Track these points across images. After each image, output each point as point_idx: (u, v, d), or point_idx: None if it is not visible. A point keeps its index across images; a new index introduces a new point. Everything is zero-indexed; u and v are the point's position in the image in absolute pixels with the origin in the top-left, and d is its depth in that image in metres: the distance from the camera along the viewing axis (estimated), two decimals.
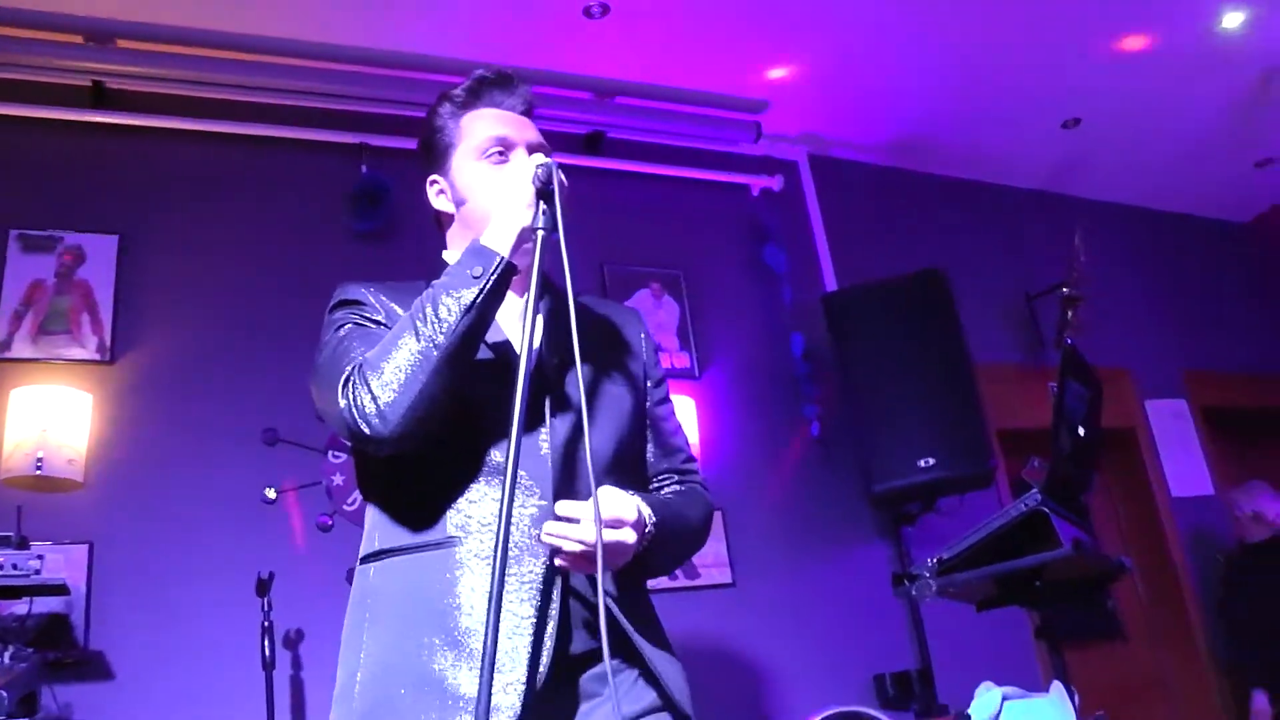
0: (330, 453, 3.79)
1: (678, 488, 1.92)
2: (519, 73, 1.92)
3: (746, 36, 4.46)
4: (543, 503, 1.65)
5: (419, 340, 1.57)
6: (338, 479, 3.78)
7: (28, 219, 3.74)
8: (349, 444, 1.66)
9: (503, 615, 1.51)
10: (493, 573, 1.41)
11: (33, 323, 3.62)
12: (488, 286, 1.60)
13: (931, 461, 4.20)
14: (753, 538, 4.40)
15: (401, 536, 1.69)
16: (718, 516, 4.34)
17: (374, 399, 1.56)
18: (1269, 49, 5.01)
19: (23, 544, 3.06)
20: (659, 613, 1.82)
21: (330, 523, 3.73)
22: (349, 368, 1.61)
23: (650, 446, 1.92)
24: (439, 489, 1.68)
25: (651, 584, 1.84)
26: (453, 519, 1.66)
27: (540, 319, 1.76)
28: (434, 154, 1.90)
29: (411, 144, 2.03)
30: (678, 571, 4.16)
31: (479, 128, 1.85)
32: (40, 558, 3.03)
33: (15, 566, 2.97)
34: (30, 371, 3.53)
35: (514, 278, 1.65)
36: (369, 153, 4.20)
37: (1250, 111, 5.47)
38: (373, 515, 1.77)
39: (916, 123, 5.28)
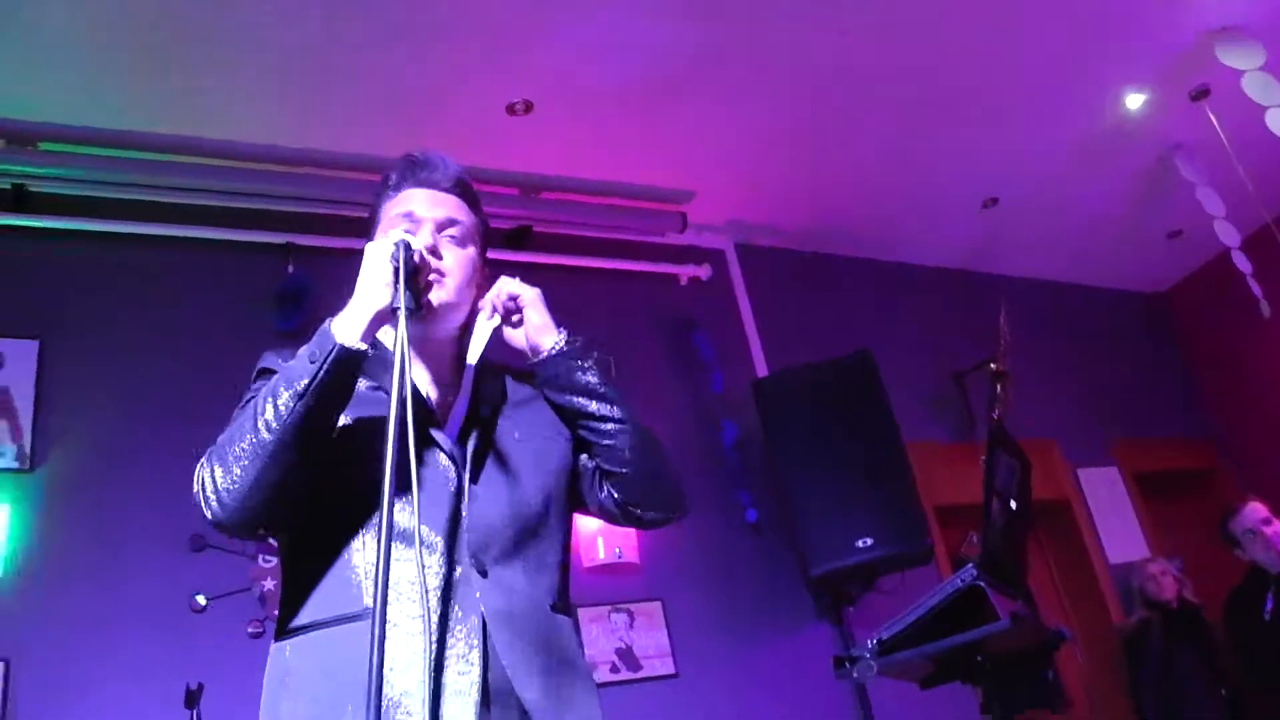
0: (260, 557, 3.71)
1: None
2: (443, 154, 1.91)
3: (670, 129, 4.53)
4: (459, 568, 1.63)
5: (256, 428, 1.55)
6: (268, 584, 3.69)
7: None
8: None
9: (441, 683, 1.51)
10: (427, 641, 1.37)
11: None
12: (321, 373, 1.56)
13: (869, 541, 4.21)
14: (694, 627, 4.35)
15: (316, 611, 1.64)
16: (657, 606, 4.30)
17: (215, 485, 1.56)
18: (1169, 127, 5.20)
19: None
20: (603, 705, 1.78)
21: (262, 629, 3.63)
22: (208, 451, 1.61)
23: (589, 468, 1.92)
24: (350, 560, 1.64)
25: (595, 678, 1.81)
26: (367, 589, 1.61)
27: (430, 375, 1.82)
28: (368, 237, 1.90)
29: (338, 242, 2.04)
30: (619, 665, 4.11)
31: (395, 207, 1.85)
32: None
33: None
34: None
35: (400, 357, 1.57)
36: (296, 252, 4.18)
37: (1158, 186, 5.66)
38: (286, 590, 1.72)
39: (841, 208, 5.38)
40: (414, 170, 1.87)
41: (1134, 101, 4.98)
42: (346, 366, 1.59)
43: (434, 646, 1.40)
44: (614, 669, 4.11)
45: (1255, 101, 4.50)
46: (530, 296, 1.86)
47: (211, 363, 3.90)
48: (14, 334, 3.73)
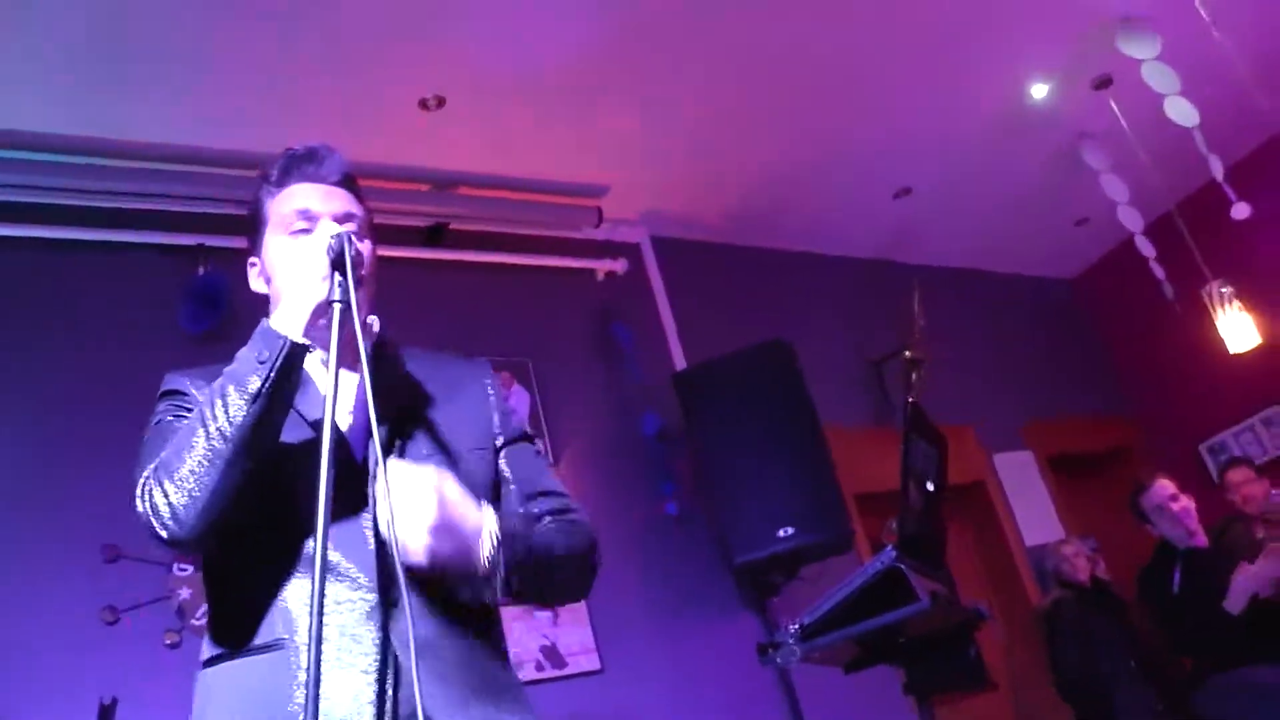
0: (176, 566, 3.63)
1: (552, 524, 1.83)
2: (328, 146, 1.88)
3: (583, 122, 4.52)
4: (371, 596, 1.59)
5: (208, 437, 1.51)
6: (185, 593, 3.62)
7: None
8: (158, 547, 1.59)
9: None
10: (309, 668, 1.34)
11: None
12: (273, 373, 1.54)
13: (790, 530, 4.24)
14: (619, 621, 4.35)
15: (233, 639, 1.62)
16: (581, 602, 4.28)
17: (168, 502, 1.51)
18: (1074, 115, 5.32)
19: None
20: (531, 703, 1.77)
21: (179, 640, 3.56)
22: (147, 470, 1.56)
23: (513, 493, 1.86)
24: (262, 588, 1.61)
25: (519, 676, 1.80)
26: (280, 619, 1.59)
27: (356, 392, 1.73)
28: (252, 235, 1.87)
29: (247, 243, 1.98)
30: (544, 662, 4.09)
31: (285, 202, 1.81)
32: None
33: None
34: None
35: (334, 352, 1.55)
36: (207, 253, 4.10)
37: (1065, 174, 5.78)
38: (210, 618, 1.70)
39: (753, 198, 5.41)
40: (299, 164, 1.84)
41: (1039, 91, 5.09)
42: (295, 362, 1.58)
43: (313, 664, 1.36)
44: (539, 667, 4.09)
45: (1155, 90, 4.62)
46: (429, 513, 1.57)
47: (121, 369, 3.80)
48: None
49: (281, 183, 1.83)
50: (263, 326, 1.59)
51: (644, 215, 5.35)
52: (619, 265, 5.13)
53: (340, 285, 1.58)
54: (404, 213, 4.55)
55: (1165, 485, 4.90)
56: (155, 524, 1.52)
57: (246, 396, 1.52)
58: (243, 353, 1.59)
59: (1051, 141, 5.54)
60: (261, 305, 1.90)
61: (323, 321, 1.59)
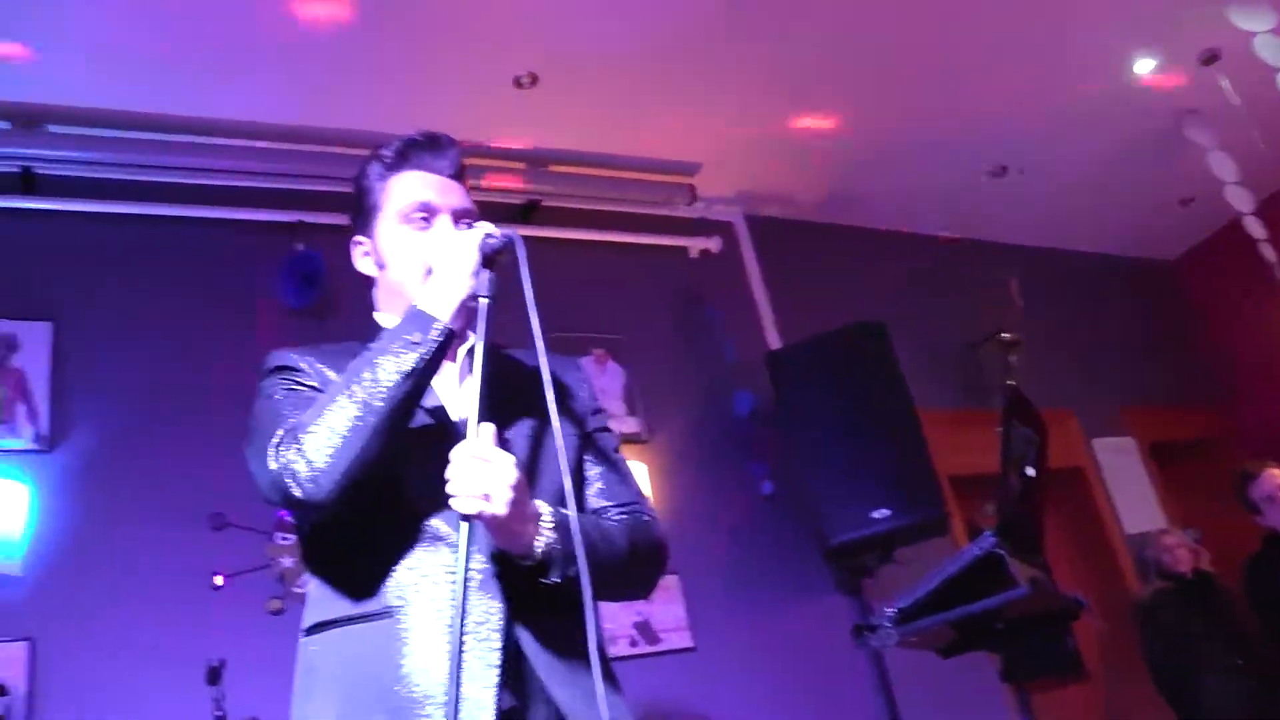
0: (278, 535, 3.72)
1: (621, 518, 1.84)
2: (448, 136, 1.89)
3: (677, 99, 4.51)
4: (484, 566, 1.62)
5: (355, 405, 1.54)
6: (287, 561, 3.70)
7: None
8: (279, 506, 1.62)
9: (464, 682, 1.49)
10: (454, 641, 1.38)
11: None
12: (428, 353, 1.58)
13: (885, 512, 4.20)
14: (711, 600, 4.36)
15: (340, 607, 1.65)
16: (675, 580, 4.30)
17: (308, 462, 1.53)
18: (1180, 91, 5.16)
19: None
20: (620, 679, 1.77)
21: (281, 607, 3.64)
22: (281, 430, 1.58)
23: (593, 489, 1.87)
24: (376, 558, 1.64)
25: (611, 651, 1.81)
26: (392, 588, 1.62)
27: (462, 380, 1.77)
28: (361, 216, 1.88)
29: (346, 220, 2.01)
30: (638, 638, 4.12)
31: (404, 191, 1.83)
32: None
33: None
34: None
35: (482, 345, 1.61)
36: (304, 229, 4.18)
37: (1169, 152, 5.62)
38: (313, 586, 1.73)
39: (848, 177, 5.35)
40: (418, 152, 1.86)
41: (1143, 66, 4.94)
42: (448, 346, 1.62)
43: (456, 644, 1.40)
44: (632, 643, 4.12)
45: (1267, 64, 4.46)
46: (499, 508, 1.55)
47: (222, 340, 3.91)
48: (27, 316, 3.73)
49: (396, 167, 1.86)
50: (414, 310, 1.62)
51: (738, 193, 5.32)
52: (712, 243, 5.12)
53: (490, 281, 1.63)
54: (498, 190, 4.58)
55: (1275, 474, 4.77)
56: (290, 482, 1.53)
57: (401, 371, 1.56)
58: (391, 332, 1.62)
59: (1155, 118, 5.37)
60: (360, 282, 1.93)
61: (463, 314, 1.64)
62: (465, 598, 1.45)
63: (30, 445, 3.56)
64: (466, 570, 1.47)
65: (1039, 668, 2.93)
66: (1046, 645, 2.95)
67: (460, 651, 1.42)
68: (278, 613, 3.63)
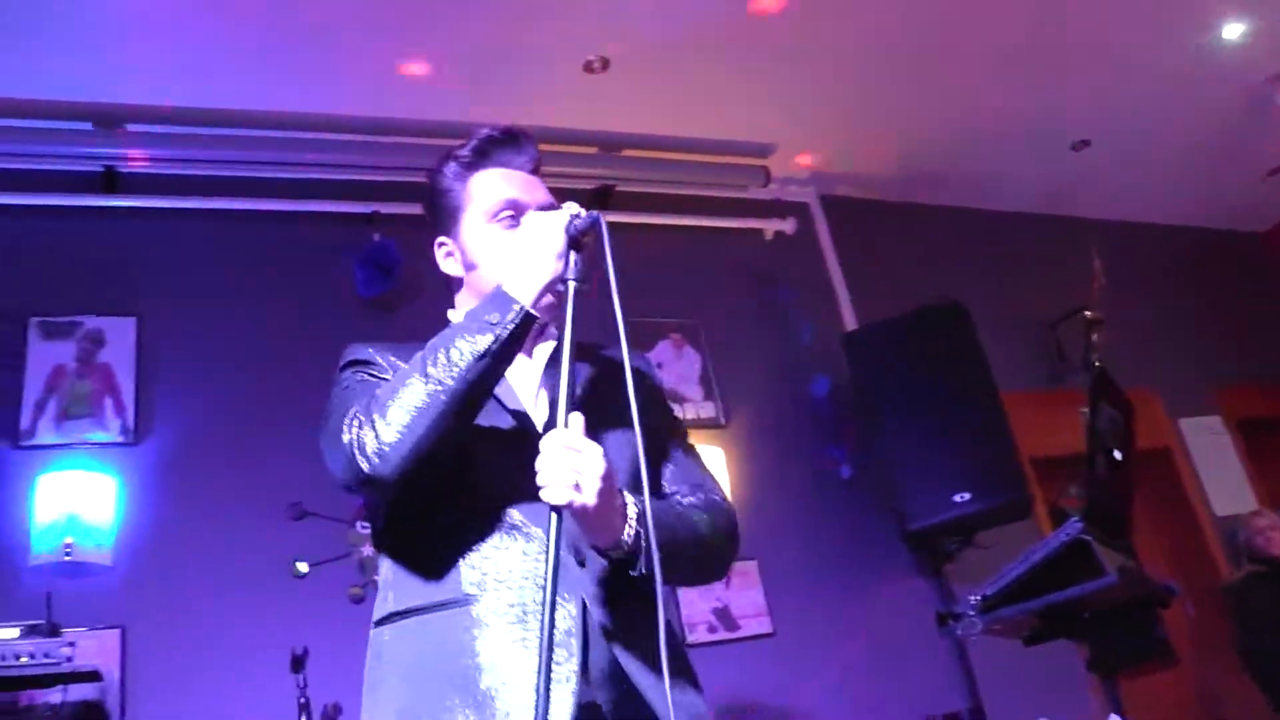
0: (358, 524, 3.75)
1: (693, 500, 1.80)
2: (525, 130, 1.88)
3: (748, 81, 4.46)
4: (564, 557, 1.58)
5: (427, 382, 1.53)
6: (367, 550, 3.74)
7: (47, 306, 3.76)
8: (349, 487, 1.60)
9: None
10: (541, 632, 1.38)
11: (56, 408, 3.62)
12: (504, 335, 1.55)
13: (966, 496, 4.14)
14: (790, 585, 4.33)
15: (415, 596, 1.64)
16: (753, 566, 4.28)
17: (377, 436, 1.52)
18: (1270, 58, 4.99)
19: (54, 631, 3.04)
20: (699, 665, 1.76)
21: (362, 594, 3.69)
22: (355, 407, 1.58)
23: (665, 474, 1.83)
24: (452, 547, 1.63)
25: (691, 637, 1.79)
26: (468, 576, 1.61)
27: (552, 370, 1.74)
28: (441, 216, 1.86)
29: (420, 209, 2.00)
30: (716, 624, 4.11)
31: (488, 190, 1.81)
32: (72, 644, 3.00)
33: (47, 655, 2.94)
34: (56, 457, 3.53)
35: (569, 328, 1.58)
36: (380, 220, 4.21)
37: (1257, 122, 5.44)
38: (386, 575, 1.73)
39: (927, 155, 5.27)
40: (497, 148, 1.84)
41: (1232, 31, 4.78)
42: (525, 330, 1.59)
43: (546, 636, 1.39)
44: (711, 629, 4.11)
45: None
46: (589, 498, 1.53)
47: (302, 332, 3.96)
48: (113, 312, 3.81)
49: (476, 165, 1.84)
50: (497, 290, 1.60)
51: (812, 174, 5.26)
52: (787, 225, 5.07)
53: (577, 264, 1.59)
54: (571, 175, 4.58)
55: None
56: (359, 457, 1.52)
57: (475, 352, 1.54)
58: (471, 311, 1.60)
59: (1243, 86, 5.21)
60: (434, 271, 1.92)
61: (548, 299, 1.61)
62: (554, 590, 1.43)
63: (117, 438, 3.65)
64: (557, 562, 1.44)
65: (1127, 657, 2.85)
66: (1135, 633, 2.86)
67: (550, 649, 1.40)
68: (358, 600, 3.67)
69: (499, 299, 1.58)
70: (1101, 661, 2.80)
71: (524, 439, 1.61)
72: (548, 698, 1.37)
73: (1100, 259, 5.36)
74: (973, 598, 2.69)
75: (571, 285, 1.58)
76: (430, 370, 1.53)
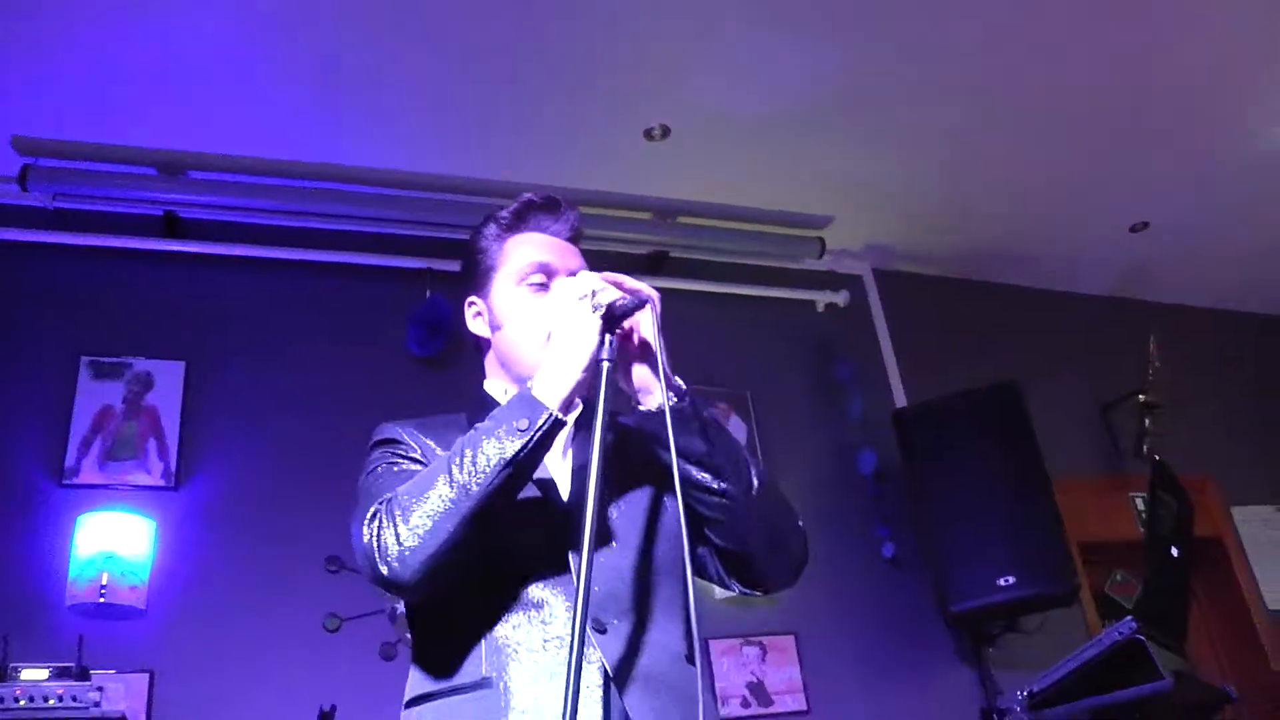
0: None
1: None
2: (567, 197, 1.86)
3: (808, 153, 4.45)
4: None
5: (452, 488, 1.49)
6: (400, 607, 3.71)
7: (98, 346, 3.80)
8: (371, 580, 1.55)
9: None
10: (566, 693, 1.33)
11: (100, 449, 3.65)
12: (532, 442, 1.51)
13: (1011, 580, 4.04)
14: (828, 662, 4.24)
15: (439, 679, 1.60)
16: (790, 640, 4.21)
17: (398, 540, 1.48)
18: None
19: (83, 674, 3.03)
20: None
21: (394, 652, 3.65)
22: (377, 503, 1.54)
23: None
24: (472, 628, 1.59)
25: (723, 711, 1.73)
26: (489, 659, 1.56)
27: (581, 435, 1.71)
28: (474, 276, 1.84)
29: None
30: (750, 699, 4.02)
31: (521, 252, 1.79)
32: (100, 689, 2.99)
33: (75, 699, 2.93)
34: (96, 498, 3.54)
35: (602, 411, 1.53)
36: (434, 277, 4.22)
37: None
38: (415, 655, 1.69)
39: (982, 232, 5.22)
40: (536, 213, 1.82)
41: None
42: (554, 435, 1.55)
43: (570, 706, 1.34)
44: (744, 703, 4.02)
45: None
46: (647, 330, 1.64)
47: (350, 386, 3.96)
48: (163, 355, 3.84)
49: (514, 229, 1.82)
50: (525, 392, 1.55)
51: (867, 247, 5.23)
52: (840, 297, 5.03)
53: (612, 345, 1.55)
54: (626, 240, 4.58)
55: None
56: (378, 559, 1.49)
57: (502, 460, 1.50)
58: (499, 413, 1.56)
59: None
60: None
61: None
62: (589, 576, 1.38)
63: (158, 481, 3.65)
64: (590, 550, 1.40)
65: None
66: None
67: (576, 693, 1.33)
68: (389, 658, 3.64)
69: (528, 403, 1.53)
70: None
71: (546, 509, 1.59)
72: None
73: (1157, 342, 5.28)
74: (1020, 693, 2.61)
75: (605, 366, 1.54)
76: (456, 475, 1.49)
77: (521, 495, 1.60)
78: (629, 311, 1.58)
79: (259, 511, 3.70)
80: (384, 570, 1.49)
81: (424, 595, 1.55)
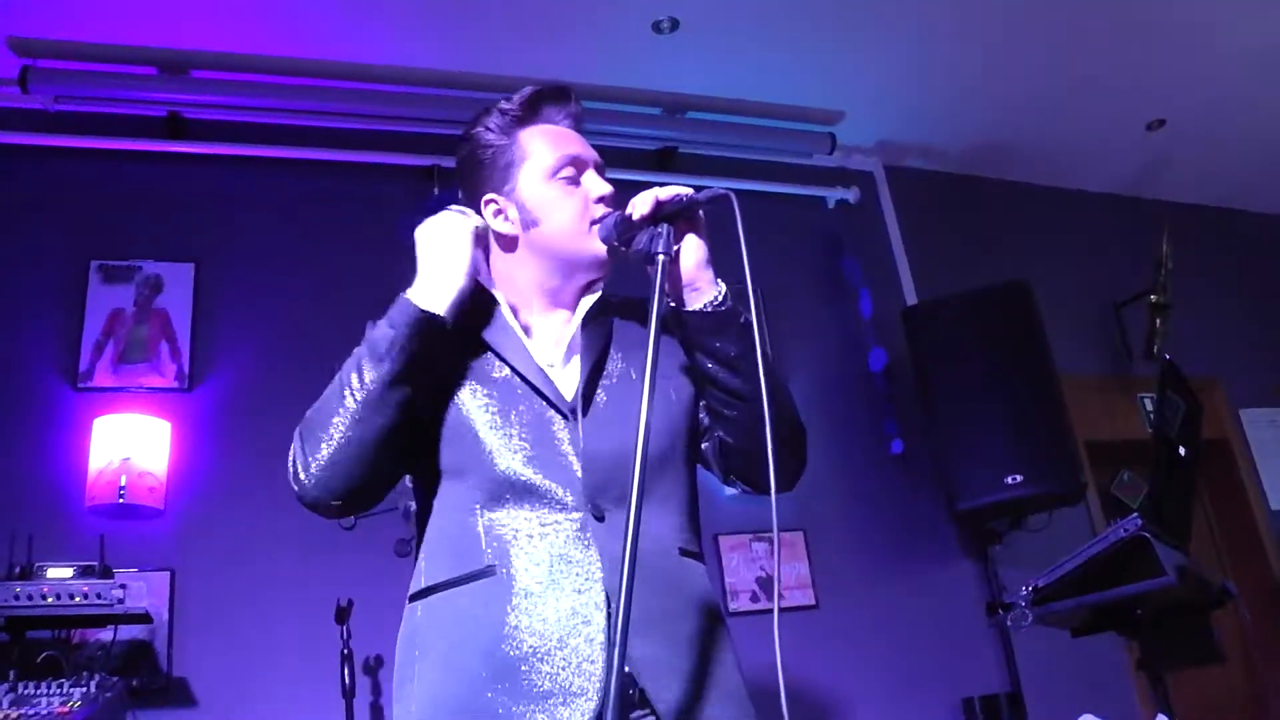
0: (407, 477, 3.75)
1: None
2: (570, 87, 1.84)
3: (819, 47, 4.37)
4: (577, 515, 1.58)
5: (345, 407, 1.56)
6: (412, 504, 3.74)
7: (107, 250, 3.80)
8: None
9: (568, 644, 1.49)
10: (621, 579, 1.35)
11: (113, 352, 3.66)
12: (405, 354, 1.58)
13: (1018, 478, 4.07)
14: (835, 558, 4.31)
15: (442, 571, 1.62)
16: (799, 536, 4.26)
17: (305, 466, 1.56)
18: None
19: (106, 573, 3.08)
20: (741, 635, 1.74)
21: (408, 549, 3.69)
22: (301, 424, 1.60)
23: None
24: (469, 519, 1.61)
25: (733, 605, 1.76)
26: (489, 547, 1.58)
27: (569, 333, 1.75)
28: (489, 171, 1.80)
29: None
30: (759, 594, 4.09)
31: (547, 145, 1.76)
32: (123, 586, 3.05)
33: (99, 595, 2.99)
34: (111, 401, 3.57)
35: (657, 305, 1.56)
36: (442, 174, 4.19)
37: None
38: (416, 551, 1.72)
39: (995, 128, 5.16)
40: (548, 103, 1.80)
41: None
42: (427, 338, 1.64)
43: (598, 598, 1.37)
44: (754, 598, 4.10)
45: None
46: (693, 240, 1.71)
47: (359, 284, 3.92)
48: (171, 258, 3.84)
49: (527, 120, 1.79)
50: (402, 299, 1.66)
51: (879, 143, 5.17)
52: (851, 194, 5.00)
53: (669, 236, 1.63)
54: (634, 136, 4.53)
55: None
56: (293, 485, 1.57)
57: (382, 381, 1.57)
58: (380, 326, 1.64)
59: None
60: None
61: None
62: (634, 555, 1.37)
63: (172, 384, 3.67)
64: (640, 492, 1.40)
65: (1179, 656, 2.79)
66: (1188, 634, 2.80)
67: (629, 608, 1.34)
68: (404, 555, 3.68)
69: (403, 310, 1.62)
70: (1152, 661, 2.74)
71: (529, 403, 1.64)
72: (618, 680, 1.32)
73: (1169, 241, 5.25)
74: (1025, 588, 2.64)
75: (661, 259, 1.59)
76: (348, 396, 1.56)
77: (505, 387, 1.66)
78: (697, 205, 1.65)
79: (271, 410, 3.69)
80: (300, 495, 1.58)
81: (353, 511, 1.62)
